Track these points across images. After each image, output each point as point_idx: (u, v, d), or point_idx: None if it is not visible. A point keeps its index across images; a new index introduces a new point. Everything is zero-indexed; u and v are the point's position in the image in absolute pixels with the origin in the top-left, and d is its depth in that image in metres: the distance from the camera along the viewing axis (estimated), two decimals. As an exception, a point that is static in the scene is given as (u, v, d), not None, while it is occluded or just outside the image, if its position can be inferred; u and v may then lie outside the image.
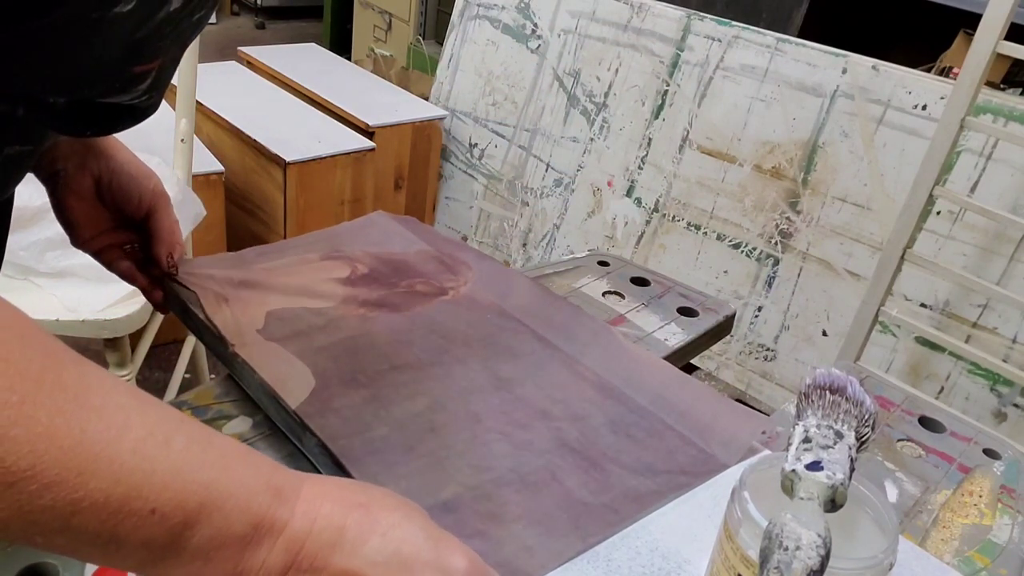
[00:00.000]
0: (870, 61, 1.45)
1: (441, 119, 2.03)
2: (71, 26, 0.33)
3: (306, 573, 0.34)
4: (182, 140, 1.20)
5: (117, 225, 0.60)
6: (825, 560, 0.35)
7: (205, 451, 0.33)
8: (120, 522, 0.30)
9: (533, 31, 1.91)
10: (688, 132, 1.67)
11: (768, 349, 1.61)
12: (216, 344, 0.58)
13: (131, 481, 0.30)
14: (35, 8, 0.31)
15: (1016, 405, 1.35)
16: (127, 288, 0.82)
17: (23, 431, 0.27)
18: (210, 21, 0.46)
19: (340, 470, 0.48)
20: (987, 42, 1.12)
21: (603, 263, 0.78)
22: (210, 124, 1.81)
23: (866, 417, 0.42)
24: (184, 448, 0.32)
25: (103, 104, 0.41)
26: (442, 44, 2.14)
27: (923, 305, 1.42)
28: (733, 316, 0.74)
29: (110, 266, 0.61)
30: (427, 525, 0.37)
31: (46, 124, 0.43)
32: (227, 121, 1.76)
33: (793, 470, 0.39)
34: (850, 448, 0.41)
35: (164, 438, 0.31)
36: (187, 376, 1.46)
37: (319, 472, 0.50)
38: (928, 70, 1.76)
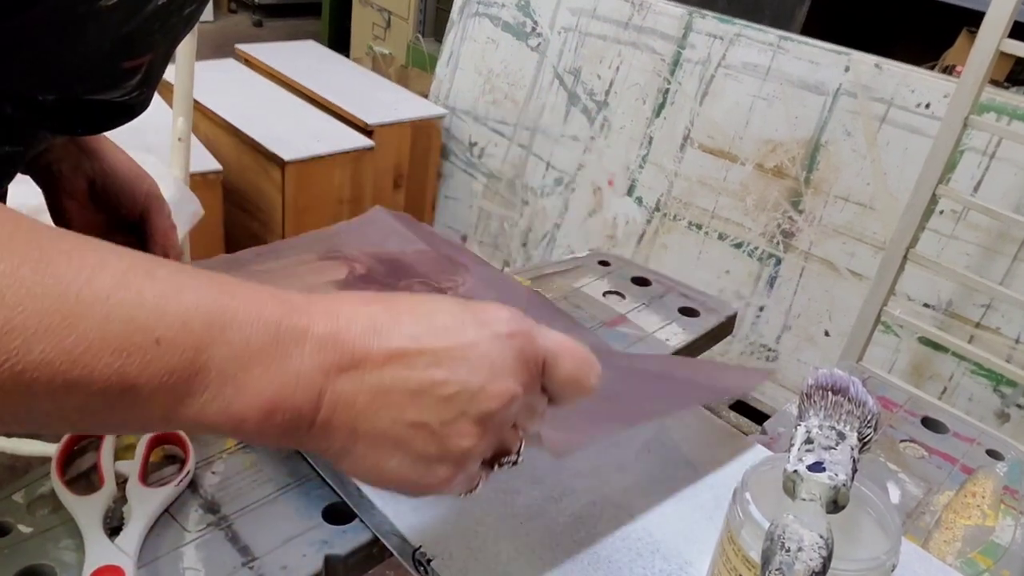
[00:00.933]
0: (873, 59, 1.44)
1: (440, 118, 2.03)
2: (57, 21, 0.33)
3: (349, 370, 0.31)
4: (179, 139, 1.20)
5: (112, 227, 0.59)
6: (827, 561, 0.35)
7: (194, 276, 0.30)
8: (126, 362, 0.27)
9: (533, 29, 1.91)
10: (689, 131, 1.67)
11: (770, 349, 1.61)
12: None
13: (123, 314, 0.27)
14: (18, 2, 0.31)
15: (1019, 406, 1.34)
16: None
17: None
18: (208, 19, 0.46)
19: (337, 472, 0.48)
20: (990, 40, 1.12)
21: (604, 263, 0.78)
22: (207, 123, 1.81)
23: (868, 418, 0.42)
24: (170, 275, 0.29)
25: (94, 101, 0.41)
26: (441, 42, 2.14)
27: (926, 305, 1.41)
28: (735, 316, 0.73)
29: None
30: (451, 298, 0.35)
31: (36, 123, 0.42)
32: (225, 120, 1.75)
33: (795, 471, 0.39)
34: (852, 449, 0.40)
35: (146, 270, 0.29)
36: (187, 375, 1.46)
37: (319, 473, 0.50)
38: (931, 68, 1.75)
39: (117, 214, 0.58)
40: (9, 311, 0.26)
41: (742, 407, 1.54)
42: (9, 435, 1.17)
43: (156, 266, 0.30)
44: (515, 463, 0.37)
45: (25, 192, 0.54)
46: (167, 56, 0.45)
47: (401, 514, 0.46)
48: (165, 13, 0.38)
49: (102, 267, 0.28)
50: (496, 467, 0.37)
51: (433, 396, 0.32)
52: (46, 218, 0.58)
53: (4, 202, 0.50)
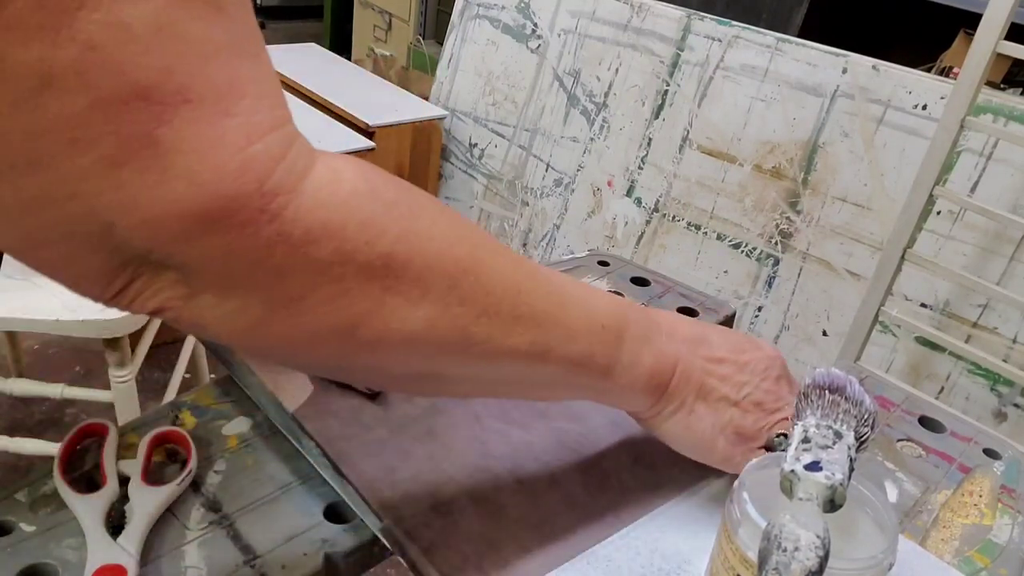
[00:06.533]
0: (870, 61, 1.45)
1: (441, 119, 2.03)
2: None
3: (688, 352, 0.46)
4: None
5: None
6: (824, 561, 0.35)
7: (591, 289, 0.44)
8: (592, 340, 0.40)
9: (533, 31, 1.91)
10: (688, 132, 1.67)
11: (768, 349, 1.61)
12: (215, 345, 0.57)
13: (586, 306, 0.41)
14: None
15: (1016, 405, 1.35)
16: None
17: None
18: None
19: (337, 472, 0.48)
20: (987, 42, 1.12)
21: (603, 263, 0.78)
22: (210, 124, 1.81)
23: (866, 417, 0.42)
24: (569, 278, 0.42)
25: None
26: (442, 44, 2.14)
27: (923, 305, 1.42)
28: (733, 316, 0.74)
29: None
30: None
31: None
32: (227, 121, 1.75)
33: (792, 470, 0.39)
34: (849, 448, 0.41)
35: (552, 273, 0.41)
36: (187, 376, 1.46)
37: (318, 474, 0.50)
38: (928, 70, 1.76)
39: None
40: (545, 303, 0.39)
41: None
42: (12, 433, 1.17)
43: (572, 280, 0.43)
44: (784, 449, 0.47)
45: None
46: None
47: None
48: None
49: (558, 275, 0.41)
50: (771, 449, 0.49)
51: (733, 382, 0.47)
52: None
53: None
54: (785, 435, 0.47)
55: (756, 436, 0.48)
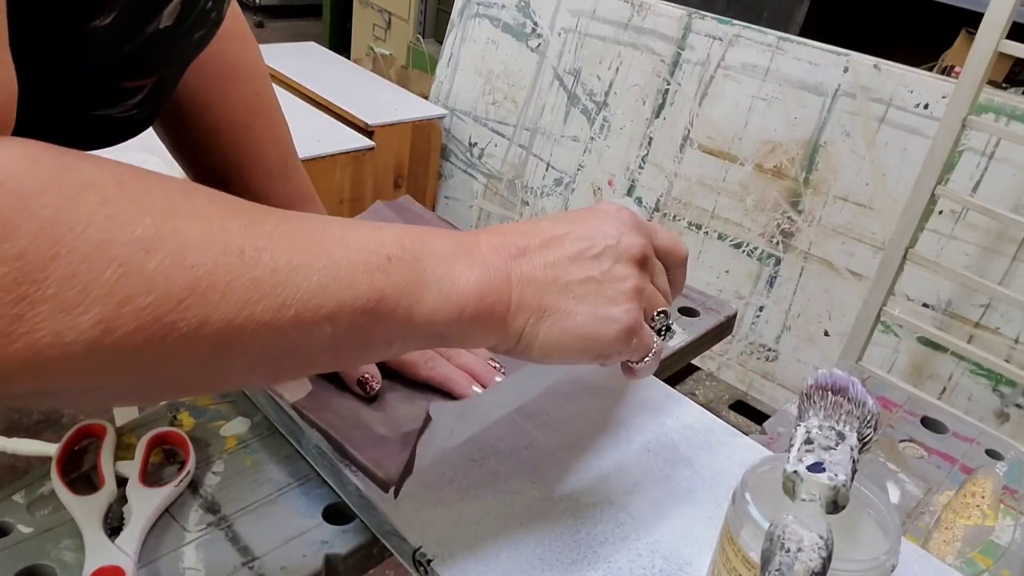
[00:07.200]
0: (872, 60, 1.44)
1: (441, 118, 2.03)
2: (49, 40, 0.32)
3: (520, 257, 0.39)
4: (181, 139, 1.20)
5: None
6: (827, 562, 0.35)
7: (377, 223, 0.37)
8: (374, 277, 0.34)
9: (533, 30, 1.91)
10: (689, 131, 1.67)
11: (769, 349, 1.61)
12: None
13: (359, 244, 0.34)
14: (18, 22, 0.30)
15: (1018, 405, 1.34)
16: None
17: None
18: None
19: (337, 469, 0.48)
20: (989, 41, 1.12)
21: (603, 262, 0.78)
22: (210, 123, 1.81)
23: (868, 418, 0.42)
24: (360, 221, 0.37)
25: (92, 115, 0.40)
26: (442, 43, 2.14)
27: (925, 305, 1.41)
28: (734, 316, 0.73)
29: None
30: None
31: (31, 134, 0.42)
32: (227, 120, 1.75)
33: (795, 471, 0.39)
34: (852, 449, 0.40)
35: (343, 220, 0.36)
36: (186, 376, 1.45)
37: (317, 475, 0.50)
38: (930, 69, 1.75)
39: None
40: (288, 255, 0.31)
41: (742, 407, 1.54)
42: (10, 434, 1.17)
43: (356, 219, 0.37)
44: (670, 327, 0.44)
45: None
46: (176, 77, 0.44)
47: (401, 514, 0.46)
48: (171, 36, 0.37)
49: (325, 221, 0.35)
50: (660, 333, 0.44)
51: (587, 257, 0.40)
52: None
53: None
54: (664, 312, 0.44)
55: (635, 308, 0.41)
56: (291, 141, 0.60)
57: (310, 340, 0.32)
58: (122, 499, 0.46)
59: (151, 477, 0.48)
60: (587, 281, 0.40)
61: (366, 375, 0.53)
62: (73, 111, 0.39)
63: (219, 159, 0.57)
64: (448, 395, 0.55)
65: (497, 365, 0.57)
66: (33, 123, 0.40)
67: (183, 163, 0.59)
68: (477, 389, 0.55)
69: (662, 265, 0.45)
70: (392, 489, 0.45)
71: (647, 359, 0.43)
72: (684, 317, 0.71)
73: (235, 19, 0.56)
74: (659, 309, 0.43)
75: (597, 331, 0.40)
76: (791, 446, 0.41)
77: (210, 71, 0.55)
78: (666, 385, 0.61)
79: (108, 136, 0.42)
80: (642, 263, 0.42)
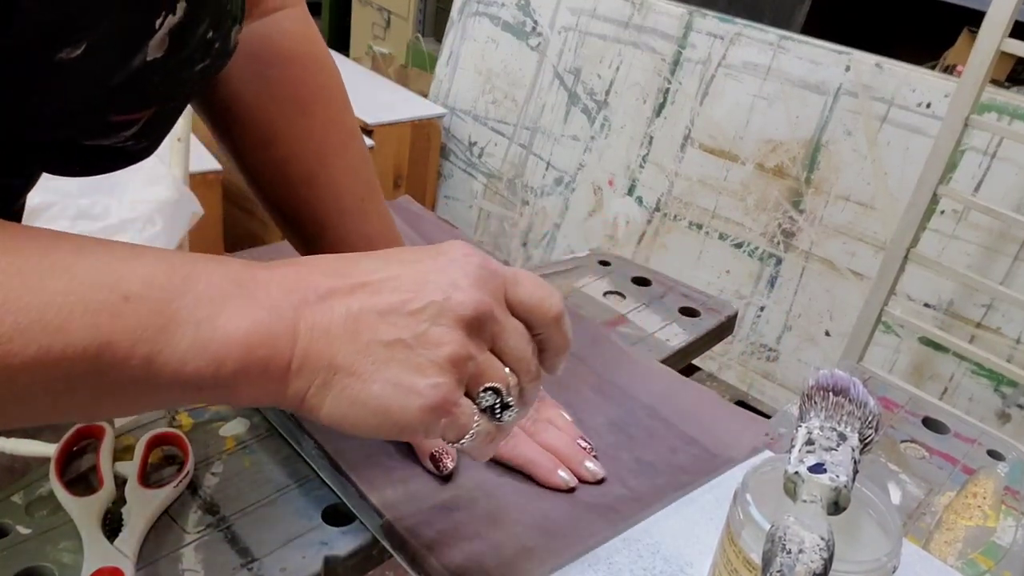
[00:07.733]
0: (873, 59, 1.44)
1: (440, 117, 2.02)
2: (12, 72, 0.30)
3: (318, 303, 0.32)
4: (179, 139, 1.20)
5: None
6: (828, 563, 0.35)
7: (151, 247, 0.32)
8: (98, 319, 0.28)
9: (533, 28, 1.91)
10: (690, 130, 1.66)
11: (770, 349, 1.60)
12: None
13: (88, 278, 0.29)
14: None
15: (1020, 406, 1.34)
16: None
17: None
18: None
19: (338, 472, 0.48)
20: (991, 40, 1.11)
21: (604, 263, 0.78)
22: (209, 122, 1.81)
23: (869, 419, 0.42)
24: (126, 246, 0.31)
25: (86, 145, 0.38)
26: (441, 41, 2.13)
27: (927, 305, 1.41)
28: (735, 316, 0.73)
29: None
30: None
31: (27, 160, 0.40)
32: (227, 120, 1.75)
33: (796, 472, 0.39)
34: (853, 450, 0.40)
35: (100, 242, 0.31)
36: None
37: (317, 476, 0.50)
38: (932, 68, 1.75)
39: None
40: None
41: (743, 407, 1.54)
42: (8, 434, 1.17)
43: (112, 241, 0.31)
44: (508, 406, 0.35)
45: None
46: (177, 111, 0.41)
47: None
48: (163, 68, 0.34)
49: (58, 243, 0.29)
50: (492, 413, 0.35)
51: (402, 313, 0.33)
52: (48, 216, 0.58)
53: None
54: (495, 389, 0.35)
55: (447, 382, 0.33)
56: (371, 176, 0.55)
57: (19, 388, 0.28)
58: (121, 500, 0.46)
59: (150, 478, 0.48)
60: (394, 344, 0.32)
61: (439, 451, 0.48)
62: (62, 140, 0.37)
63: (289, 193, 0.53)
64: (529, 478, 0.50)
65: (587, 446, 0.51)
66: (30, 148, 0.38)
67: (257, 194, 0.55)
68: (564, 475, 0.49)
69: (521, 326, 0.36)
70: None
71: (466, 440, 0.34)
72: (685, 317, 0.71)
73: (314, 42, 0.53)
74: (487, 385, 0.35)
75: (394, 404, 0.32)
76: (792, 447, 0.41)
77: (283, 99, 0.51)
78: (672, 370, 0.61)
79: (102, 165, 0.40)
80: (473, 326, 0.34)
